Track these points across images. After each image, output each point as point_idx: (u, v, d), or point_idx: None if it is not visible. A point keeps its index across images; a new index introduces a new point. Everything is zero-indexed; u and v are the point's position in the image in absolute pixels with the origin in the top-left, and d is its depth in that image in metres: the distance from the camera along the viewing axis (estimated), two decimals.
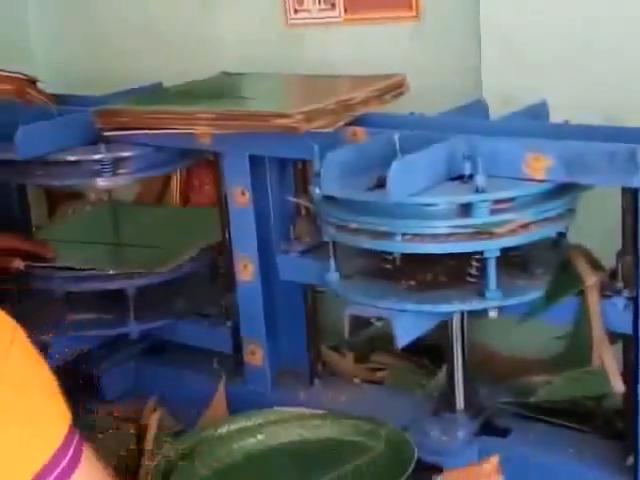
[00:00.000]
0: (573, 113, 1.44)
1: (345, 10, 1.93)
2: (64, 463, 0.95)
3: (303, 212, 1.64)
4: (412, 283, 1.40)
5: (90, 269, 1.73)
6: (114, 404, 1.76)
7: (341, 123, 1.50)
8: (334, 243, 1.43)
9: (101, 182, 1.71)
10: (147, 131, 1.61)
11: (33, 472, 0.93)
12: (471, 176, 1.32)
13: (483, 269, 1.34)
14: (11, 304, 1.79)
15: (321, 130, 1.47)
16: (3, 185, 1.93)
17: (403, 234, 1.31)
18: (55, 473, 0.94)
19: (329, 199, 1.39)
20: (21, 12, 2.40)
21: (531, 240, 1.34)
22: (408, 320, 1.33)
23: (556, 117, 1.49)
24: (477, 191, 1.28)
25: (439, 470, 1.38)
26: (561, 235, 1.44)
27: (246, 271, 1.64)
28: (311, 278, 1.56)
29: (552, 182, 1.31)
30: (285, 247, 1.62)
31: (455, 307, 1.35)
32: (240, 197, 1.61)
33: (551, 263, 1.42)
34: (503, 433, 1.49)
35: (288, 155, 1.58)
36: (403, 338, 1.32)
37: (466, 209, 1.29)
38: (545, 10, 1.65)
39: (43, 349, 1.66)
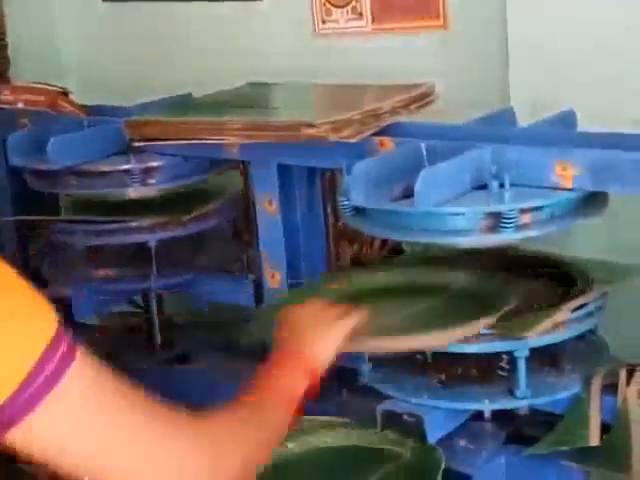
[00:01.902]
0: (601, 121, 1.44)
1: (373, 20, 1.94)
2: (56, 358, 0.95)
3: None
4: (443, 377, 1.43)
5: (112, 221, 1.73)
6: None
7: (368, 133, 1.50)
8: None
9: (131, 192, 1.73)
10: (176, 141, 1.63)
11: (26, 367, 0.94)
12: (499, 185, 1.32)
13: (513, 364, 1.36)
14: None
15: (349, 140, 1.48)
16: (35, 194, 1.95)
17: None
18: (49, 368, 0.94)
19: None
20: (52, 25, 2.43)
21: (561, 339, 1.37)
22: (439, 417, 1.37)
23: (584, 126, 1.49)
24: (503, 201, 1.28)
25: (467, 479, 1.38)
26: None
27: (274, 279, 1.65)
28: (344, 362, 1.56)
29: (579, 191, 1.31)
30: None
31: (485, 406, 1.39)
32: (268, 206, 1.62)
33: (580, 358, 1.44)
34: (531, 442, 1.48)
35: (316, 164, 1.59)
36: (434, 434, 1.36)
37: (493, 222, 1.29)
38: (574, 18, 1.65)
39: (65, 303, 1.72)
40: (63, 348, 0.96)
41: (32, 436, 0.96)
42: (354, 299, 1.46)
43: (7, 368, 0.94)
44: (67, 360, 0.96)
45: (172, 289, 1.82)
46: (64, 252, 1.80)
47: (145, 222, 1.74)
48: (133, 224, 1.73)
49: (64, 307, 1.75)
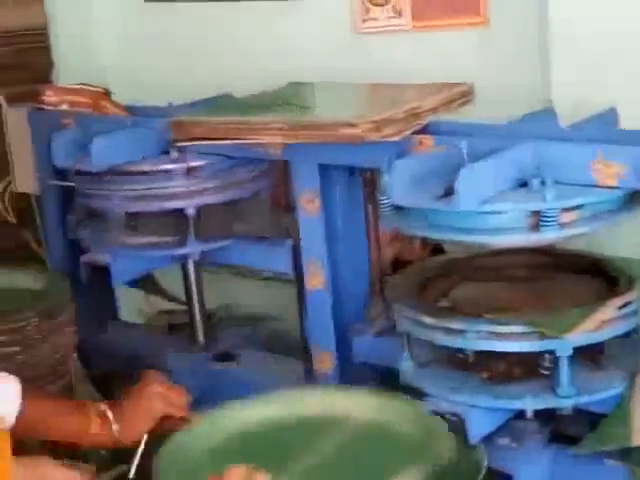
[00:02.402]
0: None
1: (413, 18, 1.94)
2: None
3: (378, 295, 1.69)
4: (485, 375, 1.43)
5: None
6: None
7: (409, 132, 1.51)
8: (408, 333, 1.46)
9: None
10: (219, 141, 1.64)
11: None
12: (541, 183, 1.31)
13: (556, 363, 1.36)
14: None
15: (389, 139, 1.48)
16: None
17: (476, 332, 1.36)
18: None
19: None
20: (93, 27, 2.45)
21: (603, 339, 1.38)
22: (481, 415, 1.38)
23: (625, 124, 1.48)
24: (545, 199, 1.28)
25: (508, 478, 1.38)
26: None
27: (315, 278, 1.65)
28: (385, 360, 1.58)
29: (622, 189, 1.30)
30: (360, 328, 1.64)
31: (528, 404, 1.38)
32: (309, 205, 1.63)
33: (623, 357, 1.43)
34: (574, 441, 1.48)
35: (357, 164, 1.60)
36: (476, 433, 1.36)
37: (535, 221, 1.29)
38: (616, 16, 1.63)
39: (105, 270, 1.74)
40: None
41: None
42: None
43: None
44: None
45: (210, 256, 1.81)
46: (103, 219, 1.81)
47: (184, 188, 1.73)
48: (171, 190, 1.73)
49: (104, 272, 1.79)
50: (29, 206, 2.17)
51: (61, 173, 1.88)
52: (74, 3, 2.39)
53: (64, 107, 1.91)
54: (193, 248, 1.77)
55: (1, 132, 2.08)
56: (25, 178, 2.08)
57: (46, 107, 1.92)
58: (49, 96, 1.91)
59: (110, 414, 1.43)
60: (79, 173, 1.78)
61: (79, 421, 1.42)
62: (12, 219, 2.18)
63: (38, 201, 2.09)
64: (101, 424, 1.43)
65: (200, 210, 1.75)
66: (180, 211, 1.74)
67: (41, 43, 2.31)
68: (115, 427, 1.43)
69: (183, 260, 1.87)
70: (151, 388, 1.46)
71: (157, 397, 1.46)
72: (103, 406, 1.45)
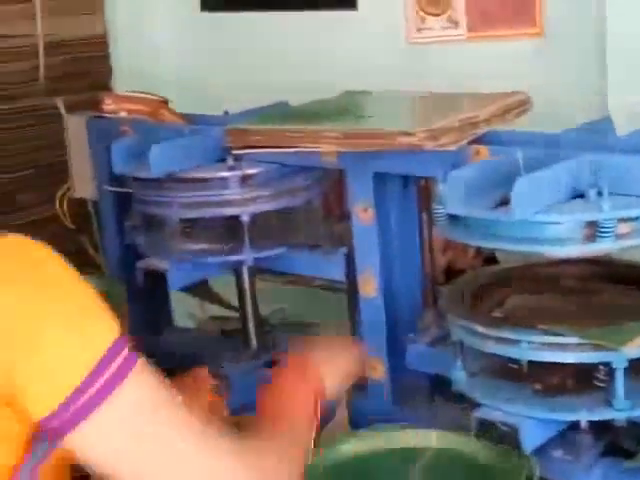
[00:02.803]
0: None
1: (468, 28, 1.94)
2: (116, 363, 0.97)
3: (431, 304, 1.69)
4: (538, 387, 1.42)
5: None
6: (239, 416, 1.80)
7: (465, 141, 1.51)
8: (461, 343, 1.46)
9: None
10: (274, 149, 1.66)
11: (86, 369, 0.96)
12: (597, 194, 1.31)
13: (611, 375, 1.35)
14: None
15: (445, 148, 1.49)
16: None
17: (529, 342, 1.36)
18: (108, 372, 0.97)
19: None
20: (150, 34, 2.49)
21: None
22: (534, 426, 1.37)
23: None
24: (602, 210, 1.28)
25: None
26: None
27: (369, 287, 1.66)
28: (438, 369, 1.59)
29: None
30: (412, 337, 1.64)
31: (582, 416, 1.37)
32: (363, 214, 1.64)
33: None
34: (629, 455, 1.46)
35: (412, 173, 1.60)
36: (529, 444, 1.36)
37: (591, 231, 1.29)
38: None
39: (161, 276, 1.76)
40: (124, 354, 0.99)
41: (86, 443, 0.98)
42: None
43: (67, 370, 0.96)
44: (126, 367, 0.99)
45: (264, 263, 1.83)
46: (160, 225, 1.83)
47: (238, 196, 1.75)
48: (226, 197, 1.75)
49: (159, 278, 1.80)
50: (87, 211, 2.20)
51: (118, 179, 1.90)
52: (133, 12, 2.44)
53: (122, 115, 1.94)
54: (247, 255, 1.78)
55: (61, 139, 2.12)
56: (83, 184, 2.11)
57: (105, 115, 1.95)
58: (108, 104, 1.94)
59: None
60: (136, 180, 1.81)
61: None
62: (70, 224, 2.22)
63: (95, 207, 2.13)
64: None
65: (255, 218, 1.76)
66: (235, 218, 1.76)
67: (100, 52, 2.35)
68: None
69: (237, 267, 1.89)
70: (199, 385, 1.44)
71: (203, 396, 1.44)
72: None
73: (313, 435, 1.28)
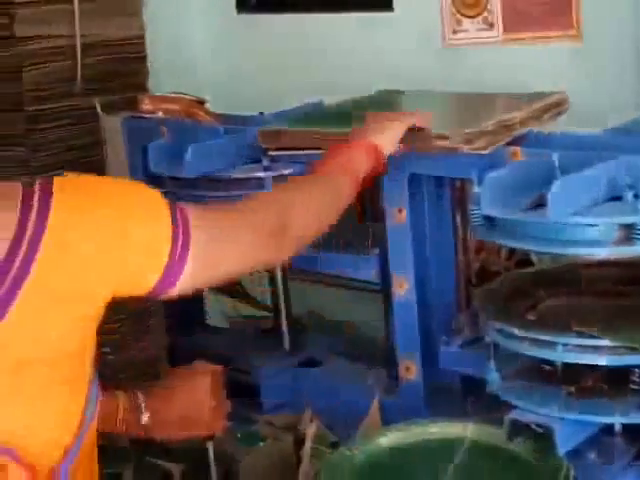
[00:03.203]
0: None
1: (504, 29, 1.94)
2: (181, 224, 1.13)
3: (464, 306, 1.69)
4: (572, 389, 1.42)
5: None
6: (272, 414, 1.81)
7: (500, 143, 1.51)
8: (495, 344, 1.47)
9: None
10: (308, 150, 1.66)
11: (167, 241, 1.12)
12: (634, 196, 1.31)
13: None
14: None
15: (481, 151, 1.49)
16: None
17: (564, 344, 1.36)
18: (180, 231, 1.13)
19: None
20: (188, 35, 2.51)
21: None
22: (568, 428, 1.37)
23: None
24: (638, 213, 1.27)
25: None
26: None
27: (402, 288, 1.67)
28: (471, 371, 1.59)
29: None
30: (446, 339, 1.64)
31: (616, 419, 1.37)
32: (398, 215, 1.64)
33: None
34: None
35: (447, 174, 1.61)
36: (563, 446, 1.36)
37: (627, 234, 1.28)
38: None
39: None
40: (181, 217, 1.13)
41: (187, 286, 1.14)
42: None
43: (154, 253, 1.11)
44: (188, 224, 1.14)
45: (298, 263, 1.83)
46: None
47: None
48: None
49: None
50: None
51: (154, 179, 1.92)
52: (170, 14, 2.45)
53: (159, 115, 1.96)
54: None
55: (98, 139, 2.14)
56: None
57: (142, 115, 1.97)
58: (146, 104, 1.96)
59: (141, 399, 1.38)
60: (172, 179, 1.82)
61: (106, 404, 1.28)
62: None
63: None
64: (129, 410, 1.36)
65: None
66: None
67: (137, 53, 2.37)
68: (145, 416, 1.37)
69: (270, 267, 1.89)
70: (198, 379, 1.43)
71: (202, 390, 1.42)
72: (138, 392, 1.39)
73: (352, 188, 1.42)
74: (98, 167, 2.18)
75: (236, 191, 1.76)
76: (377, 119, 1.51)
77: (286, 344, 1.95)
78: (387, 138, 1.47)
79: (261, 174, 1.75)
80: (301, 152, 1.68)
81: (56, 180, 1.07)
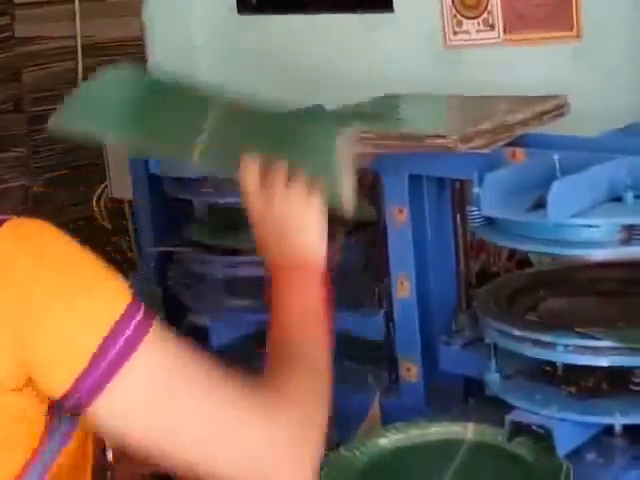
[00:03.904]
0: None
1: (505, 31, 1.94)
2: (132, 326, 0.93)
3: (464, 306, 1.68)
4: (573, 389, 1.41)
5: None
6: None
7: (499, 144, 1.51)
8: (495, 345, 1.47)
9: None
10: None
11: (99, 339, 0.91)
12: (634, 197, 1.31)
13: None
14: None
15: (479, 150, 1.49)
16: (171, 201, 2.01)
17: (564, 345, 1.36)
18: (124, 336, 0.92)
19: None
20: (188, 37, 2.51)
21: None
22: (569, 429, 1.37)
23: None
24: (639, 214, 1.27)
25: None
26: None
27: (403, 288, 1.67)
28: (471, 372, 1.59)
29: None
30: (447, 340, 1.64)
31: (616, 420, 1.37)
32: (398, 215, 1.64)
33: None
34: None
35: (447, 175, 1.61)
36: (563, 447, 1.35)
37: (628, 235, 1.28)
38: None
39: (203, 333, 1.75)
40: (137, 320, 0.94)
41: (105, 414, 0.93)
42: None
43: (79, 343, 0.92)
44: (141, 332, 0.94)
45: None
46: (203, 281, 1.84)
47: None
48: None
49: (203, 334, 1.80)
50: (123, 211, 2.23)
51: (155, 180, 1.92)
52: (171, 15, 2.46)
53: None
54: None
55: None
56: (120, 184, 2.14)
57: None
58: None
59: None
60: (173, 180, 1.83)
61: None
62: (106, 224, 2.25)
63: (131, 207, 2.15)
64: None
65: None
66: None
67: (137, 54, 2.37)
68: None
69: None
70: None
71: None
72: None
73: (325, 338, 1.14)
74: (99, 168, 2.19)
75: (235, 192, 1.76)
76: (290, 213, 1.14)
77: None
78: (321, 244, 1.15)
79: None
80: None
81: (9, 222, 0.96)
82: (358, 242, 1.84)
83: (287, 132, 1.22)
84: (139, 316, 0.94)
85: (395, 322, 1.70)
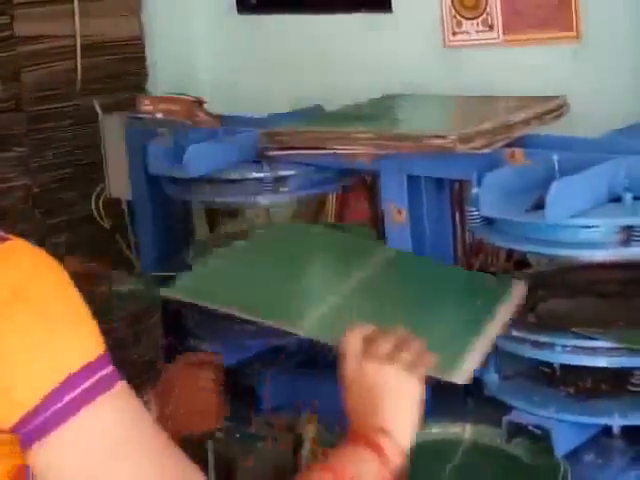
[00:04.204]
0: None
1: (504, 31, 1.94)
2: (94, 379, 0.89)
3: None
4: (571, 390, 1.42)
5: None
6: (270, 415, 1.80)
7: (498, 144, 1.51)
8: (494, 346, 1.46)
9: (262, 200, 1.77)
10: (308, 151, 1.66)
11: (49, 387, 0.88)
12: (633, 198, 1.31)
13: None
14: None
15: (477, 151, 1.49)
16: (170, 201, 2.02)
17: (563, 346, 1.36)
18: (83, 386, 0.88)
19: None
20: (187, 36, 2.51)
21: None
22: (567, 430, 1.37)
23: None
24: (637, 214, 1.27)
25: None
26: None
27: None
28: None
29: None
30: None
31: (615, 421, 1.37)
32: (397, 216, 1.64)
33: None
34: None
35: (446, 175, 1.61)
36: (561, 448, 1.35)
37: (627, 235, 1.28)
38: None
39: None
40: (106, 371, 0.91)
41: (45, 459, 0.90)
42: None
43: (27, 387, 0.88)
44: (106, 384, 0.90)
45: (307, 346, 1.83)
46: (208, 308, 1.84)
47: None
48: None
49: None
50: (122, 211, 2.22)
51: (153, 180, 1.92)
52: (170, 14, 2.45)
53: (159, 116, 1.96)
54: (291, 339, 1.73)
55: (98, 139, 2.14)
56: (119, 184, 2.13)
57: (141, 115, 1.97)
58: (145, 105, 1.96)
59: (147, 397, 1.33)
60: (172, 180, 1.82)
61: None
62: (105, 224, 2.24)
63: (130, 207, 2.15)
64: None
65: None
66: None
67: (137, 53, 2.37)
68: (153, 414, 1.30)
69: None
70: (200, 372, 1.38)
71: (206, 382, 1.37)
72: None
73: None
74: (98, 168, 2.18)
75: (234, 192, 1.76)
76: (388, 384, 1.09)
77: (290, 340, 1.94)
78: (410, 432, 1.09)
79: (260, 174, 1.75)
80: (302, 153, 1.68)
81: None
82: None
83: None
84: (107, 370, 0.91)
85: None
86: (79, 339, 0.91)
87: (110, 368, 0.91)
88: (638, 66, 1.70)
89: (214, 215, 2.44)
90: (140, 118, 1.98)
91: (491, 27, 1.95)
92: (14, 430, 0.89)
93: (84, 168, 2.29)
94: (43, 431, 0.88)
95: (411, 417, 1.10)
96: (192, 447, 1.51)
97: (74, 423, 0.88)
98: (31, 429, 0.88)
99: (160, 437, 0.94)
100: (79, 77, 2.27)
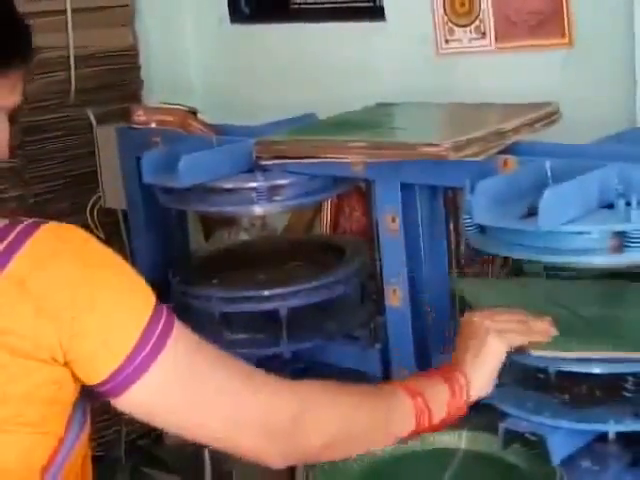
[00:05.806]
0: None
1: (496, 39, 1.95)
2: (159, 327, 1.04)
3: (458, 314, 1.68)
4: (566, 397, 1.41)
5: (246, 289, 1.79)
6: None
7: (492, 152, 1.51)
8: None
9: (257, 209, 1.77)
10: (303, 160, 1.67)
11: (134, 337, 1.03)
12: (626, 204, 1.31)
13: (639, 385, 1.36)
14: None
15: (470, 159, 1.49)
16: (165, 211, 2.02)
17: None
18: (154, 336, 1.04)
19: None
20: (182, 46, 2.52)
21: None
22: (562, 437, 1.36)
23: None
24: (631, 220, 1.27)
25: None
26: None
27: (395, 296, 1.67)
28: None
29: None
30: (440, 348, 1.64)
31: (610, 427, 1.37)
32: (391, 224, 1.64)
33: None
34: None
35: (440, 183, 1.61)
36: (557, 454, 1.35)
37: (620, 242, 1.28)
38: None
39: None
40: (164, 318, 1.06)
41: (137, 403, 1.05)
42: None
43: (119, 337, 1.03)
44: (168, 329, 1.06)
45: (301, 356, 1.85)
46: (199, 315, 1.84)
47: (278, 291, 1.78)
48: (266, 293, 1.78)
49: None
50: (117, 221, 2.23)
51: (147, 190, 1.92)
52: (164, 25, 2.46)
53: (152, 126, 1.96)
54: (285, 347, 1.79)
55: (92, 150, 2.14)
56: (113, 194, 2.14)
57: (135, 126, 1.98)
58: (139, 115, 1.96)
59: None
60: (166, 190, 1.82)
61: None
62: (100, 234, 2.25)
63: (125, 216, 2.15)
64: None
65: (293, 311, 1.78)
66: (274, 313, 1.78)
67: (130, 64, 2.38)
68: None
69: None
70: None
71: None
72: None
73: (412, 425, 1.24)
74: (92, 179, 2.19)
75: (229, 201, 1.76)
76: (483, 342, 1.32)
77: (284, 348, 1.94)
78: (484, 377, 1.32)
79: (254, 184, 1.75)
80: (296, 161, 1.69)
81: (46, 225, 1.05)
82: (356, 274, 1.84)
83: None
84: (165, 313, 1.07)
85: (388, 331, 1.70)
86: (144, 288, 1.07)
87: (164, 311, 1.07)
88: (630, 73, 1.71)
89: (209, 224, 2.44)
90: (134, 128, 1.99)
91: (483, 34, 1.96)
92: (103, 383, 1.03)
93: (78, 178, 2.30)
94: (136, 376, 1.03)
95: (489, 372, 1.33)
96: (188, 454, 1.52)
97: (160, 360, 1.03)
98: (125, 376, 1.02)
99: (222, 351, 1.11)
100: (73, 88, 2.28)
